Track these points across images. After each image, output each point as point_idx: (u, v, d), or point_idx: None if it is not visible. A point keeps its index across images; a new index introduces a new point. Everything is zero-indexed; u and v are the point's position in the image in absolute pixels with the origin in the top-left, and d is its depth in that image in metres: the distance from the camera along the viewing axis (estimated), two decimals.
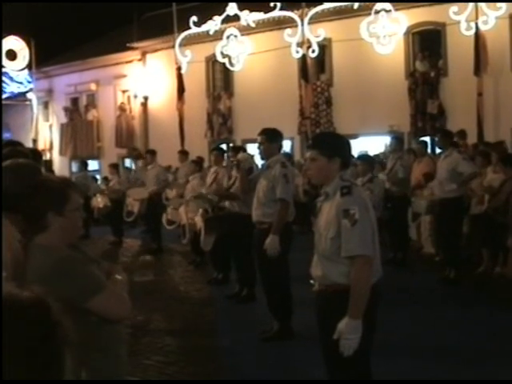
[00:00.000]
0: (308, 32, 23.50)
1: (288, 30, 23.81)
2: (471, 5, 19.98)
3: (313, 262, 5.03)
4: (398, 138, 15.09)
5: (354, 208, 4.63)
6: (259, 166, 10.59)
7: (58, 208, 3.54)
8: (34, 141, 32.69)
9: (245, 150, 13.48)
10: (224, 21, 25.43)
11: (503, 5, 19.54)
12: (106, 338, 3.66)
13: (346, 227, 4.61)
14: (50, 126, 34.62)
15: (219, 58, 26.00)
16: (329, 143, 5.09)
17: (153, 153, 17.42)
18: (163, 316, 10.17)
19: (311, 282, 5.05)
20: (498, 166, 12.25)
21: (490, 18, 19.84)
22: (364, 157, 12.76)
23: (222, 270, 12.32)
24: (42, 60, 32.70)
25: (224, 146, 20.41)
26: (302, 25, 23.56)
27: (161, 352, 8.30)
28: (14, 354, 1.69)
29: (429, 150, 16.57)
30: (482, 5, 19.85)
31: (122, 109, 30.80)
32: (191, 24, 26.14)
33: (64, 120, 33.49)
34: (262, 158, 8.85)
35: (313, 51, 23.49)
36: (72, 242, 3.73)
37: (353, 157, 12.26)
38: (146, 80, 29.59)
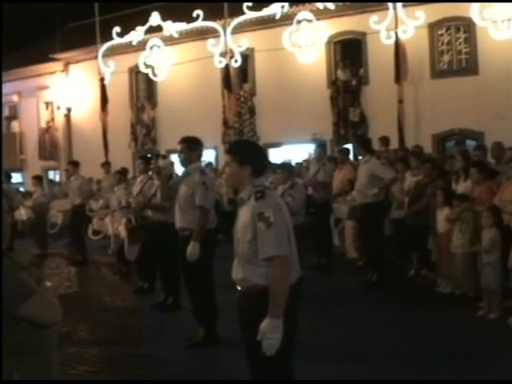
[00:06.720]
0: (231, 42, 23.68)
1: (211, 40, 23.94)
2: (391, 14, 20.44)
3: (233, 266, 5.10)
4: (322, 146, 15.33)
5: (268, 211, 4.73)
6: (179, 174, 10.61)
7: None
8: None
9: (165, 157, 13.48)
10: (147, 31, 25.42)
11: (422, 14, 20.01)
12: (37, 344, 3.68)
13: (262, 230, 4.70)
14: None
15: (142, 69, 26.03)
16: (241, 151, 5.19)
17: (75, 164, 17.16)
18: (88, 326, 10.09)
19: (237, 287, 5.11)
20: (417, 168, 12.58)
21: (409, 27, 20.31)
22: (283, 164, 12.89)
23: (147, 279, 12.30)
24: None
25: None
26: (225, 35, 23.73)
27: (87, 362, 8.26)
28: None
29: (351, 157, 16.85)
30: (402, 14, 20.33)
31: (48, 123, 30.56)
32: (114, 34, 26.08)
33: None
34: (183, 166, 8.92)
35: (235, 61, 23.68)
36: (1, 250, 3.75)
37: (273, 165, 12.45)
38: (69, 91, 29.24)
